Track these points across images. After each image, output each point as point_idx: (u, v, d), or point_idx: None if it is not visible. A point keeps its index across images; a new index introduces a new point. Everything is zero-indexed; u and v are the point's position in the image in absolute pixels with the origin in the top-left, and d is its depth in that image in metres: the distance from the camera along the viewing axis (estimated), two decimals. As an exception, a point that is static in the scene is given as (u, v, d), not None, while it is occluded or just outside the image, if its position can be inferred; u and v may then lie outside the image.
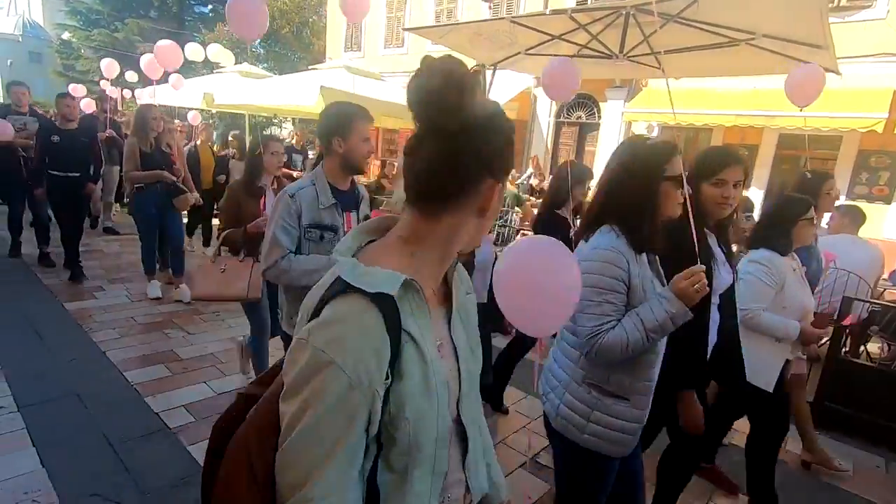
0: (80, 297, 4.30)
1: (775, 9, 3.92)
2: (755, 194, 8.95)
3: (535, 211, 5.15)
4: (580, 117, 11.61)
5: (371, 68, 13.32)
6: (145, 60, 5.71)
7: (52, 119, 5.39)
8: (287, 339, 1.96)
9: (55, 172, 4.63)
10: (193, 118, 7.66)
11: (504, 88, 9.46)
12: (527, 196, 7.43)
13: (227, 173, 6.10)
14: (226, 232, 2.77)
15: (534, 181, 8.39)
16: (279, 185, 2.92)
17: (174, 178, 4.32)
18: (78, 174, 4.74)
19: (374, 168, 10.92)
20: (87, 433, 2.50)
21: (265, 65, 23.91)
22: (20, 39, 33.03)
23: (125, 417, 2.66)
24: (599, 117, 11.17)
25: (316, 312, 0.68)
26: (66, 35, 24.54)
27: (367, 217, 2.14)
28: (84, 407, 2.71)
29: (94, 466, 2.26)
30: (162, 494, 2.13)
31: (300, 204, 1.86)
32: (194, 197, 4.58)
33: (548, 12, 4.65)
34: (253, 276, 2.66)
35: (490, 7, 12.17)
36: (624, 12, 4.81)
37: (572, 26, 5.04)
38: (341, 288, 0.68)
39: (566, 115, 11.84)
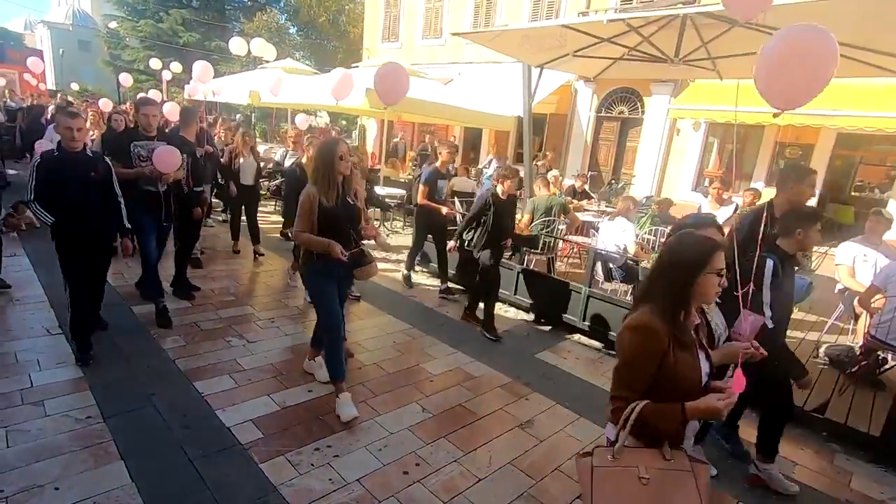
0: (147, 301, 4.50)
1: (858, 20, 3.71)
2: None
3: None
4: (622, 112, 11.30)
5: (409, 59, 13.28)
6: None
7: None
8: None
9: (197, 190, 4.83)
10: (302, 122, 6.14)
11: (544, 82, 9.30)
12: (568, 198, 7.29)
13: None
14: (639, 407, 1.50)
15: (576, 183, 8.24)
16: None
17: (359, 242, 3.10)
18: (202, 189, 4.99)
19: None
20: (167, 446, 2.67)
21: (301, 53, 24.18)
22: (70, 28, 34.40)
23: (199, 430, 2.82)
24: (643, 112, 10.85)
25: None
26: (113, 24, 25.40)
27: None
28: (162, 419, 2.89)
29: (179, 482, 2.42)
30: (242, 514, 2.28)
31: None
32: (377, 268, 3.24)
33: (605, 21, 4.52)
34: (702, 491, 1.48)
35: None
36: (681, 15, 4.65)
37: (623, 29, 4.91)
38: None
39: (607, 110, 11.55)
